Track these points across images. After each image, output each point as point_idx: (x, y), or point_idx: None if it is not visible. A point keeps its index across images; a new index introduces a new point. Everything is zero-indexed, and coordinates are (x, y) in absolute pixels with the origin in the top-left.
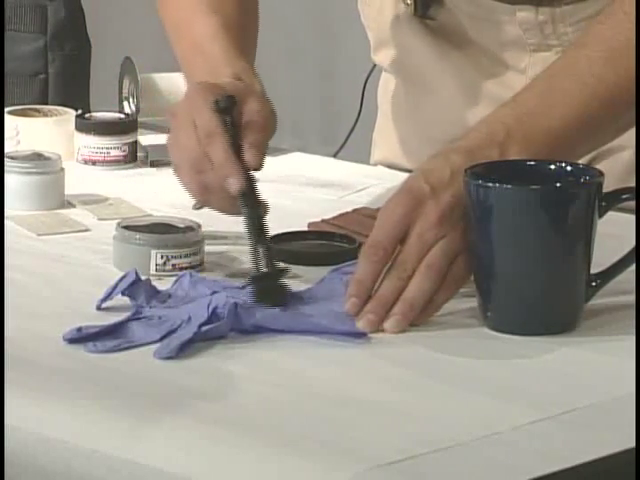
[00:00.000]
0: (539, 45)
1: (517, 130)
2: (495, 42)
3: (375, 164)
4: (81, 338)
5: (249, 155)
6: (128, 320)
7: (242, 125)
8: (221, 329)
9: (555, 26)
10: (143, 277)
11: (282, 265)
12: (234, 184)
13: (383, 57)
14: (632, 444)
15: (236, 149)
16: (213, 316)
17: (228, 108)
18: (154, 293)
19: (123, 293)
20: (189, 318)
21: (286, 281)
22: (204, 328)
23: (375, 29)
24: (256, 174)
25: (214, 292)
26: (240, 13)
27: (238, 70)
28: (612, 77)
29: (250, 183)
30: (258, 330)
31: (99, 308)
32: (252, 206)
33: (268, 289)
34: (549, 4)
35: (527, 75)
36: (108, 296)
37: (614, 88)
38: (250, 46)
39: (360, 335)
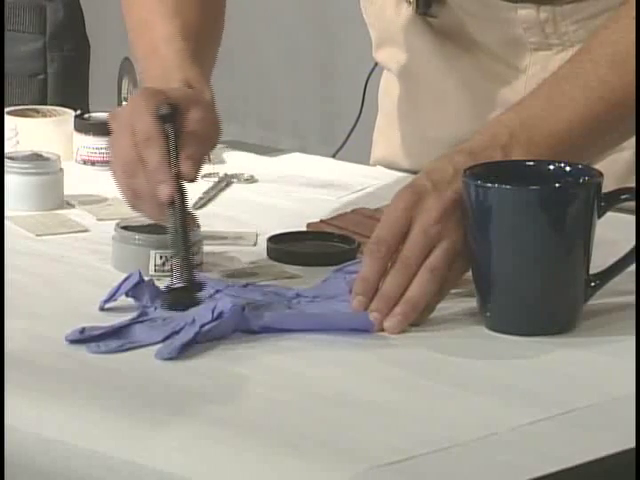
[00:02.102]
0: (540, 44)
1: (521, 133)
2: (496, 41)
3: (375, 164)
4: (84, 339)
5: (184, 166)
6: (131, 322)
7: (183, 135)
8: (223, 329)
9: (556, 25)
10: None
11: (200, 279)
12: (164, 191)
13: (384, 55)
14: (632, 444)
15: (173, 158)
16: (217, 320)
17: (169, 116)
18: (158, 294)
19: (127, 294)
20: (193, 320)
21: (201, 296)
22: (205, 328)
23: (377, 27)
24: (192, 183)
25: (217, 291)
26: (202, 19)
27: (190, 76)
28: (617, 81)
29: (181, 193)
30: (265, 331)
31: (102, 309)
32: (179, 216)
33: (182, 301)
34: (550, 3)
35: (528, 74)
36: (112, 297)
37: (619, 92)
38: (209, 53)
39: (366, 330)
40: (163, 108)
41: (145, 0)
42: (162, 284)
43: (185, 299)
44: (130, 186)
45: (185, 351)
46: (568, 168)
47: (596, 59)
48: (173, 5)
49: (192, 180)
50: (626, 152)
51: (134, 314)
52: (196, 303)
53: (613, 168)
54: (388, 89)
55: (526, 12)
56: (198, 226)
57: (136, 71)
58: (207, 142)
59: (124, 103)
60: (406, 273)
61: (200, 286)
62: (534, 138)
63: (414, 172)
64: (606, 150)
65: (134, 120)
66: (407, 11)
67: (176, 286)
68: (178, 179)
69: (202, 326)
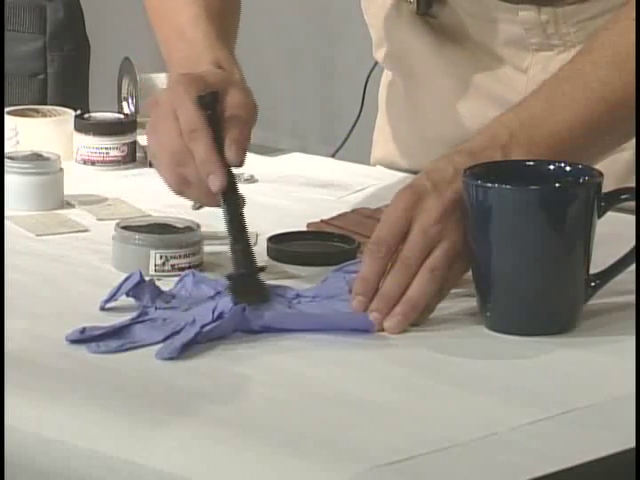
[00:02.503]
0: (541, 45)
1: (521, 133)
2: (497, 41)
3: (375, 163)
4: (84, 339)
5: (231, 152)
6: (132, 322)
7: (225, 119)
8: (223, 328)
9: (557, 26)
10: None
11: (261, 264)
12: (216, 182)
13: (385, 55)
14: (632, 444)
15: (218, 144)
16: (217, 320)
17: (211, 103)
18: (158, 294)
19: (128, 294)
20: (193, 321)
21: (264, 279)
22: (206, 328)
23: (377, 27)
24: (239, 171)
25: (217, 292)
26: (221, 3)
27: (219, 57)
28: (617, 82)
29: (231, 180)
30: (266, 330)
31: (103, 309)
32: (232, 204)
33: (247, 288)
34: (551, 4)
35: (528, 75)
36: (112, 297)
37: (619, 93)
38: (231, 34)
39: (366, 330)
40: (205, 96)
41: None
42: (163, 285)
43: (250, 285)
44: (178, 175)
45: (185, 351)
46: (568, 168)
47: (596, 60)
48: None
49: (239, 165)
50: (626, 152)
51: (134, 314)
52: (262, 288)
53: (613, 168)
54: (388, 89)
55: (527, 13)
56: (198, 226)
57: (136, 71)
58: (248, 124)
59: (124, 103)
60: (406, 273)
61: (262, 269)
62: (534, 138)
63: (414, 172)
64: (606, 151)
65: (176, 108)
66: (408, 11)
67: (239, 273)
68: (227, 167)
69: (202, 326)
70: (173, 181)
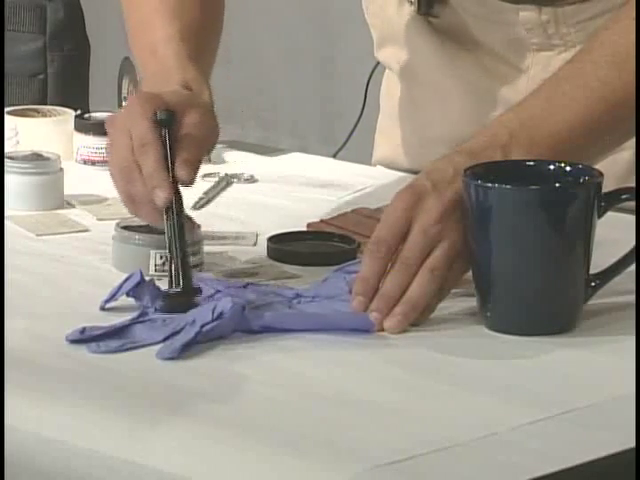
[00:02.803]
0: (542, 44)
1: (521, 133)
2: (498, 41)
3: (377, 163)
4: (84, 339)
5: (181, 170)
6: (132, 322)
7: (178, 138)
8: (223, 328)
9: (558, 26)
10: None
11: (196, 284)
12: (161, 196)
13: (386, 55)
14: (632, 444)
15: (170, 163)
16: (218, 320)
17: (166, 121)
18: (158, 294)
19: (128, 294)
20: (193, 321)
21: (197, 301)
22: (206, 328)
23: (378, 27)
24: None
25: (217, 291)
26: (202, 19)
27: (188, 77)
28: (617, 81)
29: (177, 197)
30: (266, 330)
31: (103, 309)
32: (175, 220)
33: (178, 306)
34: (552, 4)
35: (529, 74)
36: (113, 297)
37: (619, 92)
38: (208, 53)
39: (366, 330)
40: (160, 113)
41: (145, 0)
42: (163, 284)
43: (182, 304)
44: (127, 191)
45: (185, 351)
46: (568, 168)
47: (596, 60)
48: (173, 5)
49: (189, 184)
50: (626, 152)
51: (135, 314)
52: (193, 308)
53: (613, 168)
54: (390, 89)
55: (527, 13)
56: (198, 226)
57: (136, 71)
58: (204, 145)
59: (124, 103)
60: (406, 273)
61: (197, 291)
62: (534, 138)
63: (416, 172)
64: (606, 151)
65: (131, 125)
66: (409, 11)
67: (173, 291)
68: (175, 183)
69: (202, 326)
70: (123, 198)
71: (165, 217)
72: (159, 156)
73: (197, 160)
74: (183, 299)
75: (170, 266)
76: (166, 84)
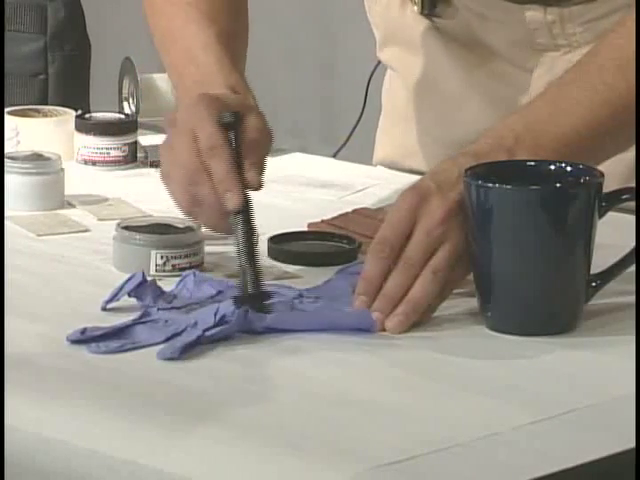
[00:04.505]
0: (547, 45)
1: (526, 136)
2: (502, 41)
3: (378, 163)
4: (85, 339)
5: (250, 174)
6: (133, 323)
7: (244, 142)
8: (226, 332)
9: (563, 26)
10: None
11: (269, 288)
12: (232, 200)
13: (389, 55)
14: (632, 444)
15: (237, 166)
16: (220, 323)
17: (233, 123)
18: (160, 294)
19: (130, 294)
20: (195, 323)
21: (270, 305)
22: (208, 332)
23: (381, 26)
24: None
25: (219, 292)
26: (232, 23)
27: (233, 82)
28: (623, 85)
29: (246, 202)
30: (268, 331)
31: (104, 309)
32: (246, 225)
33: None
34: (557, 4)
35: (534, 75)
36: (114, 297)
37: (625, 96)
38: (241, 57)
39: (367, 330)
40: (226, 115)
41: (176, 8)
42: (164, 285)
43: (254, 309)
44: (191, 194)
45: (186, 352)
46: (569, 168)
47: (602, 63)
48: (205, 13)
49: (258, 188)
50: (629, 153)
51: (136, 315)
52: (265, 313)
53: (616, 169)
54: (392, 89)
55: (533, 14)
56: (199, 226)
57: (136, 71)
58: (267, 148)
59: (124, 103)
60: (408, 274)
61: (268, 296)
62: (540, 141)
63: (418, 172)
64: (612, 154)
65: (196, 127)
66: (412, 11)
67: (244, 296)
68: (244, 188)
69: (205, 330)
70: (185, 200)
71: (235, 221)
72: (229, 160)
73: (263, 163)
74: (254, 304)
75: (242, 271)
76: (209, 89)
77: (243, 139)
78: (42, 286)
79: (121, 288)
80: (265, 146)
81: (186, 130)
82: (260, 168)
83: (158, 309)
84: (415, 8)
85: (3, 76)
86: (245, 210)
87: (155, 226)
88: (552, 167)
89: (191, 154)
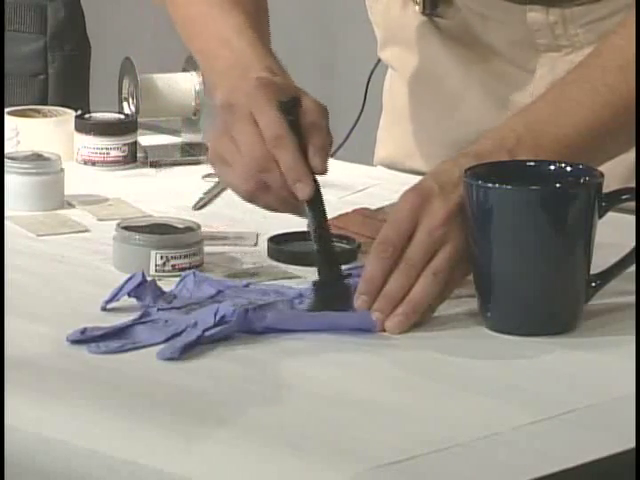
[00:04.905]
0: (549, 45)
1: (527, 137)
2: (504, 41)
3: (379, 163)
4: (85, 339)
5: (316, 159)
6: (133, 323)
7: (304, 125)
8: (226, 332)
9: (566, 27)
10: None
11: (345, 271)
12: (306, 189)
13: (390, 54)
14: (632, 444)
15: (301, 152)
16: (219, 323)
17: (292, 109)
18: (160, 294)
19: (129, 294)
20: (195, 323)
21: (349, 285)
22: (208, 332)
23: (382, 26)
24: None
25: (219, 291)
26: (258, 10)
27: (270, 64)
28: (624, 86)
29: (317, 188)
30: (268, 331)
31: (104, 309)
32: (318, 213)
33: (331, 296)
34: (559, 5)
35: (536, 75)
36: (114, 297)
37: (627, 97)
38: (269, 38)
39: (368, 330)
40: (286, 101)
41: None
42: (164, 285)
43: (334, 295)
44: (258, 181)
45: (186, 352)
46: (569, 168)
47: (604, 64)
48: None
49: (324, 172)
50: (630, 154)
51: (136, 315)
52: (346, 297)
53: (616, 169)
54: (393, 88)
55: (535, 14)
56: (199, 226)
57: (136, 71)
58: (327, 130)
59: (124, 103)
60: (409, 274)
61: (346, 277)
62: (541, 142)
63: (418, 172)
64: (613, 156)
65: (255, 111)
66: (414, 11)
67: (324, 284)
68: (312, 174)
69: (204, 331)
70: (250, 186)
71: (307, 208)
72: (296, 149)
73: (327, 146)
74: (335, 290)
75: (317, 258)
76: (248, 73)
77: (303, 122)
78: (42, 286)
79: (121, 288)
80: (325, 127)
81: (245, 116)
82: (325, 152)
83: (158, 309)
84: (416, 8)
85: (3, 76)
86: (316, 197)
87: (155, 226)
88: (552, 167)
89: (256, 141)
